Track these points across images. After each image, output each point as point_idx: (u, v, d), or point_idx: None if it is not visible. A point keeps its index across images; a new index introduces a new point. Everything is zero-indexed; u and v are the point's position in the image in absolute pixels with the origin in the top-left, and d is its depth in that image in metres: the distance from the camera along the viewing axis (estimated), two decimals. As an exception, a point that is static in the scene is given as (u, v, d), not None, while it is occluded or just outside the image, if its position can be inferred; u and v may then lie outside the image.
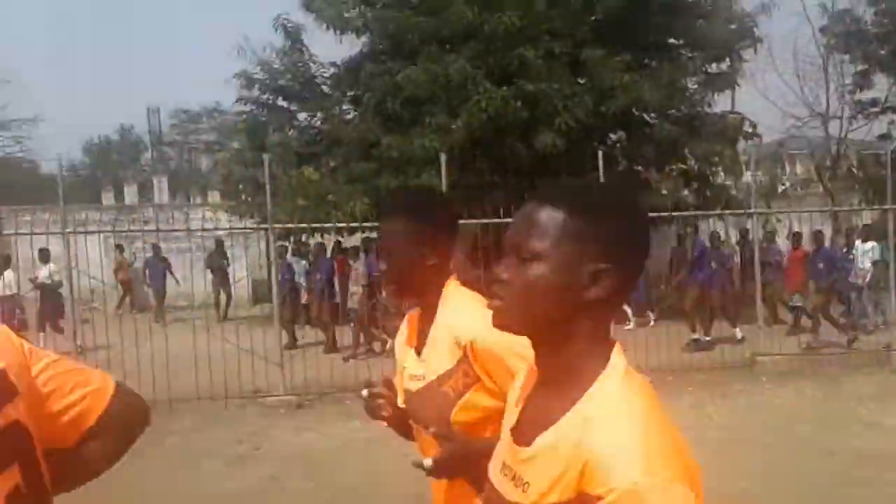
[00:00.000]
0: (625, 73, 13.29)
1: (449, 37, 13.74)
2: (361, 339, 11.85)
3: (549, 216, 1.20)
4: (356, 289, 11.96)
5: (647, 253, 1.25)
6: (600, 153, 9.93)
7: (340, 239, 14.67)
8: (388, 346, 11.46)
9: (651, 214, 10.61)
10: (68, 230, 8.30)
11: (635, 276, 1.24)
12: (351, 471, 6.17)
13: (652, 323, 12.83)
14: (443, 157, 9.45)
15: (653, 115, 14.91)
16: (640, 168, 15.36)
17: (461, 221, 9.67)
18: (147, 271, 16.26)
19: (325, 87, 15.84)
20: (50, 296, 12.43)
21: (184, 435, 7.37)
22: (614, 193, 1.29)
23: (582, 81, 13.91)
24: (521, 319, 1.21)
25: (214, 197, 23.63)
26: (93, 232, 9.14)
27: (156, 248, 16.13)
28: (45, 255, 12.47)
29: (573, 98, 13.24)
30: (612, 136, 15.63)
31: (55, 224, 8.52)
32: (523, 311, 1.20)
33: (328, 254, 13.52)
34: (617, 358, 1.20)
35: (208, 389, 8.42)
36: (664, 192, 13.94)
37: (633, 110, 14.43)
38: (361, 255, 12.34)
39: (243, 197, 16.31)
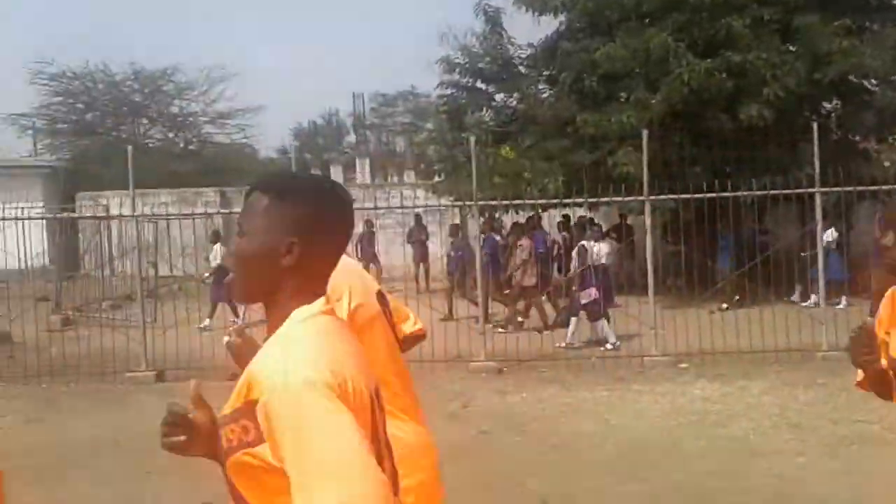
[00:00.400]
0: (843, 37, 12.43)
1: (650, 11, 13.54)
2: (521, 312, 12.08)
3: (257, 199, 1.49)
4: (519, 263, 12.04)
5: (338, 230, 1.53)
6: (814, 124, 9.43)
7: (532, 215, 14.99)
8: (556, 319, 11.67)
9: (871, 188, 9.91)
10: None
11: (328, 248, 1.51)
12: (555, 430, 6.48)
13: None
14: (644, 133, 9.41)
15: (874, 81, 13.82)
16: (857, 138, 14.31)
17: (661, 197, 9.41)
18: (360, 245, 17.37)
19: (521, 68, 16.16)
20: None
21: (398, 392, 8.03)
22: (310, 182, 1.61)
23: (793, 49, 13.18)
24: (239, 283, 1.52)
25: (410, 176, 24.77)
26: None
27: (368, 223, 17.17)
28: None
29: (783, 67, 12.60)
30: (827, 106, 14.66)
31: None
32: (239, 276, 1.52)
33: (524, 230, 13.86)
34: (308, 308, 1.45)
35: (416, 353, 9.04)
36: (886, 163, 12.91)
37: (852, 77, 13.46)
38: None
39: (441, 176, 17.05)
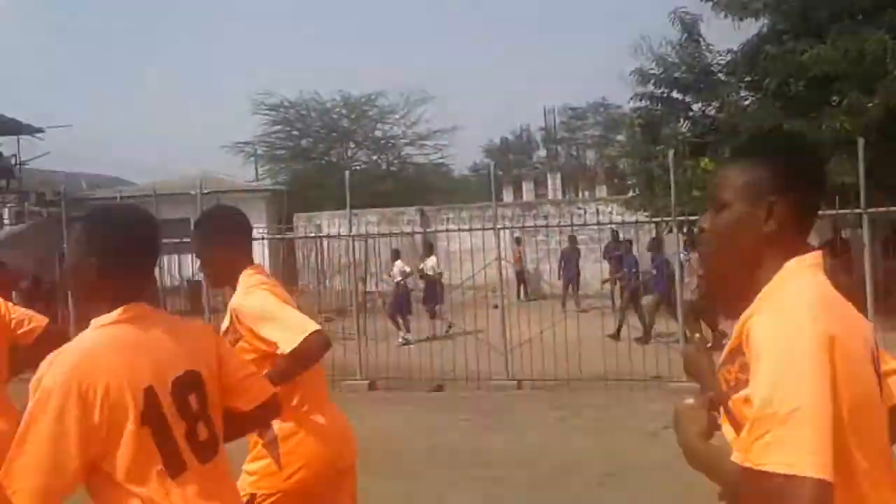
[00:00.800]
0: None
1: (864, 8, 12.64)
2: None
3: (75, 226, 1.99)
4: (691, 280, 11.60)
5: (128, 251, 1.95)
6: None
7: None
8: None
9: None
10: (499, 226, 9.67)
11: (123, 266, 1.94)
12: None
13: None
14: (860, 141, 8.83)
15: None
16: None
17: (881, 210, 8.79)
18: (562, 262, 17.51)
19: (720, 75, 15.61)
20: (431, 284, 14.23)
21: (598, 410, 8.11)
22: (109, 212, 2.10)
23: None
24: (70, 291, 2.27)
25: (601, 191, 24.57)
26: (517, 227, 10.32)
27: (572, 239, 17.28)
28: (429, 250, 14.31)
29: None
30: None
31: (488, 221, 9.95)
32: (69, 287, 2.11)
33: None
34: (102, 318, 1.92)
35: (612, 372, 9.08)
36: None
37: None
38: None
39: (635, 190, 16.81)
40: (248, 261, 2.97)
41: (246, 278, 2.91)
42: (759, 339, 1.36)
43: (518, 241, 19.51)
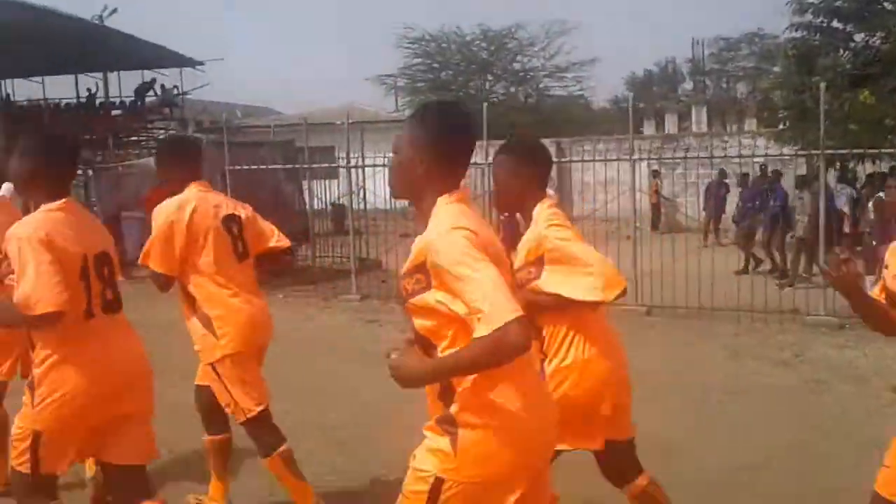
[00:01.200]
0: None
1: None
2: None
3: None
4: (802, 218, 11.21)
5: (52, 172, 2.86)
6: None
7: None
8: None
9: None
10: (634, 157, 9.65)
11: (49, 179, 2.86)
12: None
13: None
14: None
15: None
16: None
17: None
18: (707, 194, 16.99)
19: (887, 4, 14.45)
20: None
21: (729, 338, 8.15)
22: (37, 137, 2.89)
23: None
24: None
25: (751, 124, 23.44)
26: (653, 159, 10.27)
27: (722, 172, 16.64)
28: None
29: None
30: None
31: (625, 153, 9.93)
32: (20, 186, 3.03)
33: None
34: (45, 205, 2.83)
35: (746, 303, 9.00)
36: None
37: None
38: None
39: (786, 123, 16.03)
40: (193, 178, 3.60)
41: (186, 191, 3.56)
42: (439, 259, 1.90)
43: (655, 173, 19.08)
